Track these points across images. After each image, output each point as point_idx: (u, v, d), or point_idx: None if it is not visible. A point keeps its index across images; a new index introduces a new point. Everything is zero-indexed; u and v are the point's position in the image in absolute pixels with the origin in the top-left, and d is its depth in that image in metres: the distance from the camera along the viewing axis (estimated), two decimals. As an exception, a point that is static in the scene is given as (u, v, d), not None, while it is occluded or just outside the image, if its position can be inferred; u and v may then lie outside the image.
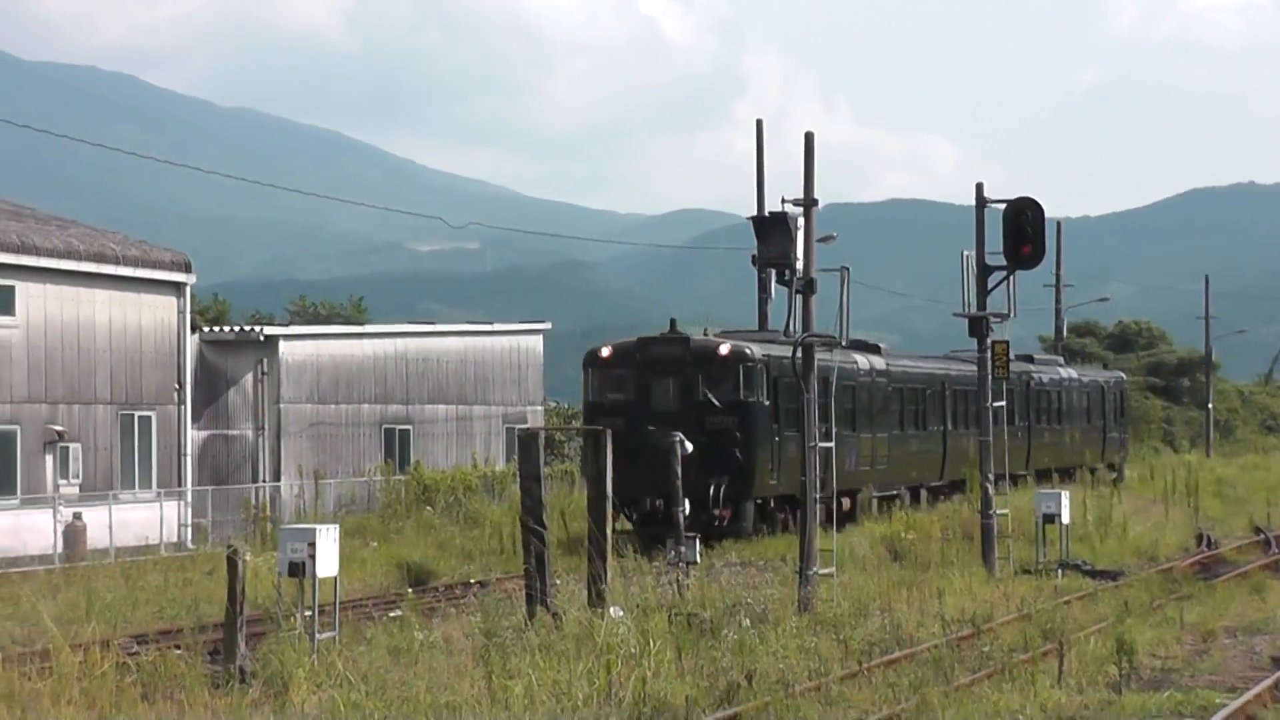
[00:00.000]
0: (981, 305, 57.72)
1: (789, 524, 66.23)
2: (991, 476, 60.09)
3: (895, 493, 77.82)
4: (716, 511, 59.60)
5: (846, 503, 69.60)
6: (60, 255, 72.78)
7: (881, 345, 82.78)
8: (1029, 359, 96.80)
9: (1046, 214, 56.99)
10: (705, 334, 66.69)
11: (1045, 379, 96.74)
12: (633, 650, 36.07)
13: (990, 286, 57.42)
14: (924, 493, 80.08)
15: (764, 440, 64.76)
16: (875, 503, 77.51)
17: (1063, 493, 65.30)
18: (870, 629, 41.79)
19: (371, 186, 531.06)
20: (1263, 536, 68.54)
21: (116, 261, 75.41)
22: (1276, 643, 41.39)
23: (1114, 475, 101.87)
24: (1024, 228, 55.62)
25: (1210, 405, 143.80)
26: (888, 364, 79.02)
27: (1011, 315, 59.75)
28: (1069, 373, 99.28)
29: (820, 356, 55.81)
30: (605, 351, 64.10)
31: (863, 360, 75.80)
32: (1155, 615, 44.58)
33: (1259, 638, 42.52)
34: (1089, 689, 34.36)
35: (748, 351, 61.91)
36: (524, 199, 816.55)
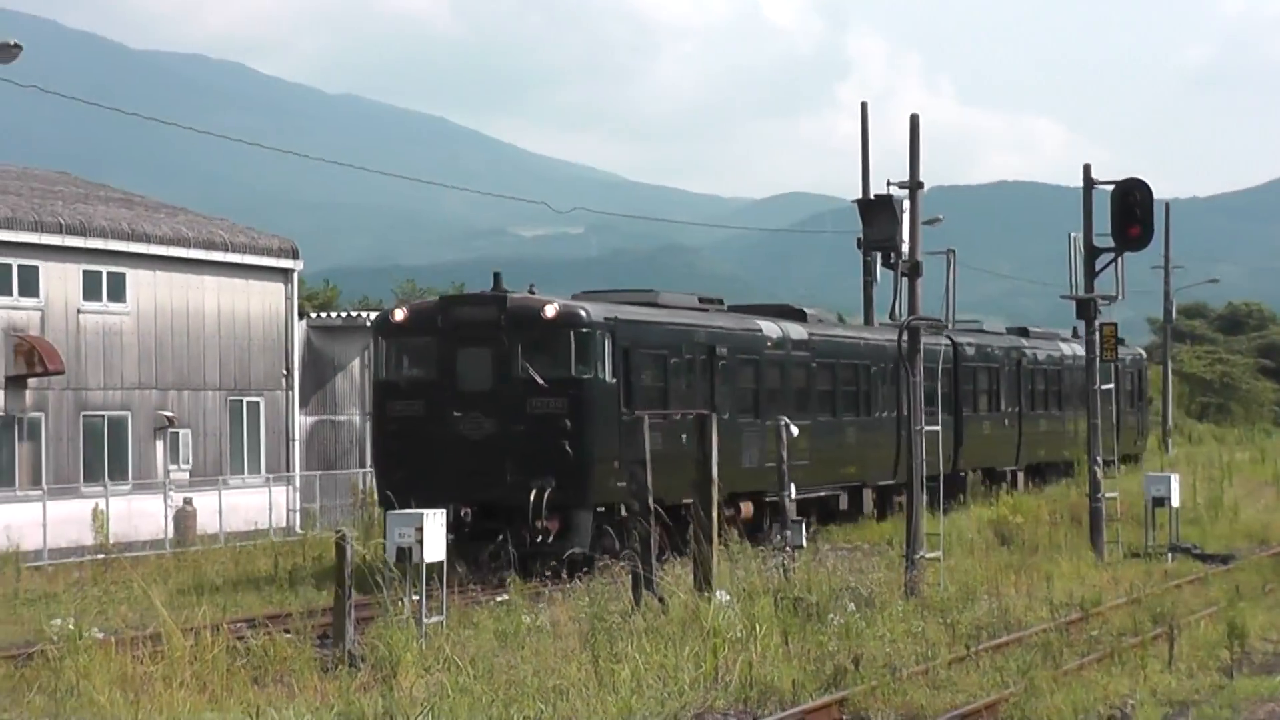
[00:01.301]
0: (1089, 287, 57.48)
1: (664, 537, 47.09)
2: (1100, 460, 59.91)
3: (823, 493, 60.99)
4: (540, 524, 44.01)
5: (747, 508, 55.50)
6: (170, 243, 72.98)
7: (809, 311, 66.49)
8: (1023, 332, 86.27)
9: (1155, 195, 56.67)
10: (531, 291, 48.53)
11: (1041, 356, 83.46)
12: (739, 634, 36.13)
13: (1098, 269, 57.19)
14: (868, 493, 64.49)
15: (607, 429, 47.38)
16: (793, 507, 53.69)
17: (1173, 475, 65.09)
18: (978, 613, 41.70)
19: (476, 171, 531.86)
20: (1375, 518, 68.22)
21: (225, 248, 75.66)
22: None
23: (1128, 464, 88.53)
24: (1132, 209, 55.35)
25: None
26: (810, 334, 61.84)
27: (1120, 297, 59.45)
28: (1073, 349, 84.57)
29: (682, 321, 52.83)
30: (400, 315, 48.07)
31: (770, 328, 59.05)
32: (1267, 599, 44.45)
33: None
34: (1200, 673, 34.24)
35: (582, 314, 46.12)
36: (627, 183, 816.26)
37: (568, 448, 43.86)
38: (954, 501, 64.00)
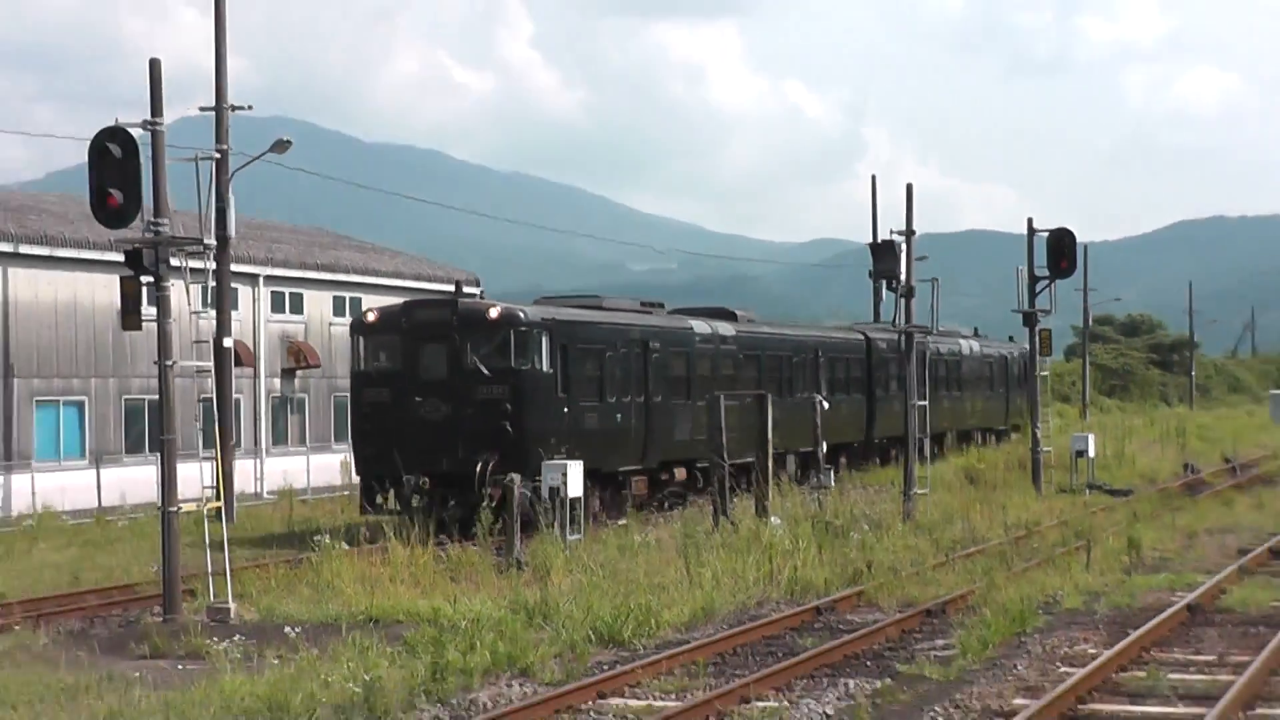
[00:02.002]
0: (1031, 304, 57.57)
1: (599, 500, 45.45)
2: (1039, 426, 59.89)
3: (750, 460, 50.48)
4: (487, 491, 38.94)
5: (681, 473, 51.07)
6: (391, 275, 73.10)
7: (740, 313, 61.12)
8: (926, 330, 79.16)
9: (1077, 239, 57.18)
10: (459, 290, 47.06)
11: (944, 350, 76.59)
12: (787, 547, 36.34)
13: (1038, 291, 57.31)
14: (791, 458, 57.39)
15: (543, 411, 43.51)
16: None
17: (1090, 435, 65.02)
18: (954, 532, 41.77)
19: (601, 225, 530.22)
20: (1231, 465, 67.92)
21: (429, 279, 75.63)
22: (1241, 539, 41.21)
23: (1015, 435, 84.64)
24: (1061, 249, 55.70)
25: (1193, 373, 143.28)
26: (737, 330, 56.88)
27: (1052, 311, 59.68)
28: (971, 345, 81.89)
29: (617, 320, 48.52)
30: (371, 317, 44.98)
31: (701, 326, 54.23)
32: (1155, 521, 44.38)
33: (1229, 536, 42.32)
34: (1108, 573, 34.29)
35: (521, 315, 42.68)
36: (707, 231, 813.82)
37: (509, 427, 40.55)
38: (869, 463, 62.27)
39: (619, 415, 45.81)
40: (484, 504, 37.88)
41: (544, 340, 41.28)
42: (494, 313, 41.78)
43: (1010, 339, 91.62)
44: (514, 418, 40.63)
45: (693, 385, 51.24)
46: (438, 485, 41.21)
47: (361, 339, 44.09)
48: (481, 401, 40.96)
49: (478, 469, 39.67)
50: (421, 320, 42.84)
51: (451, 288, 67.59)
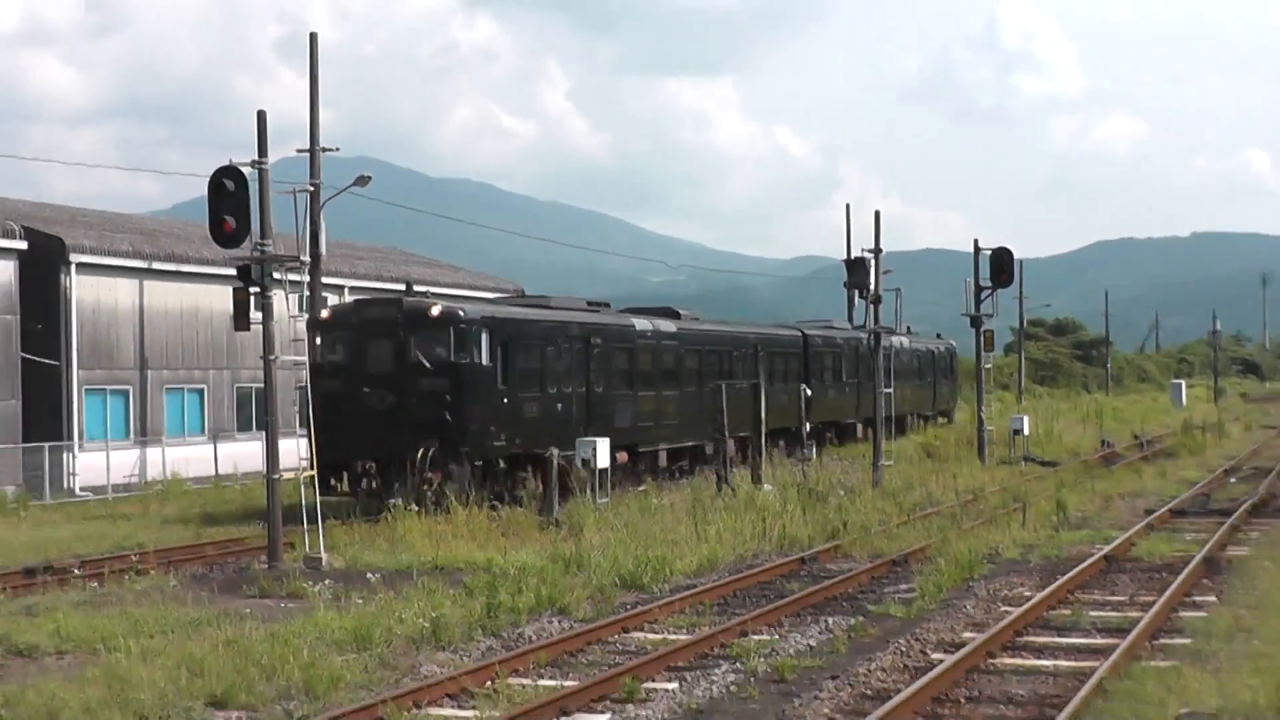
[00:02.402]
0: (977, 310, 57.49)
1: (534, 482, 41.12)
2: (984, 409, 59.81)
3: (690, 444, 51.85)
4: (429, 475, 36.68)
5: (622, 455, 45.21)
6: (452, 286, 72.47)
7: (683, 312, 56.59)
8: (861, 329, 69.57)
9: (1014, 256, 57.20)
10: (425, 295, 43.23)
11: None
12: (777, 509, 36.38)
13: (982, 299, 57.23)
14: (731, 442, 48.91)
15: (482, 401, 39.65)
16: (664, 455, 50.31)
17: (1025, 416, 64.97)
18: (914, 496, 41.73)
19: (622, 243, 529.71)
20: (1139, 441, 67.75)
21: (484, 289, 75.27)
22: (1148, 502, 41.16)
23: (943, 420, 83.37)
24: (1001, 264, 55.62)
25: (1108, 366, 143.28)
26: (679, 328, 52.34)
27: (994, 315, 59.66)
28: (900, 341, 73.84)
29: (558, 318, 44.29)
30: (325, 313, 41.17)
31: (643, 323, 49.83)
32: (1078, 487, 44.28)
33: (1138, 499, 42.30)
34: (1040, 529, 34.27)
35: (460, 313, 39.04)
36: (710, 250, 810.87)
37: (448, 416, 37.05)
38: (803, 446, 55.49)
39: (559, 404, 42.40)
40: (425, 487, 36.28)
41: (483, 336, 38.22)
42: (435, 311, 38.52)
43: (938, 335, 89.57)
44: (453, 407, 37.54)
45: (634, 377, 47.82)
46: (383, 470, 37.77)
47: (317, 334, 39.79)
48: (423, 392, 37.73)
49: (419, 455, 36.40)
50: (370, 317, 39.55)
51: (503, 293, 67.31)
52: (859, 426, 63.81)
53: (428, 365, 37.69)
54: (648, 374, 48.55)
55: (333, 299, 54.98)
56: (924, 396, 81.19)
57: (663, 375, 49.70)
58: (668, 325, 51.22)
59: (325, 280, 41.72)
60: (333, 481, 37.04)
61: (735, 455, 50.51)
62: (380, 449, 37.47)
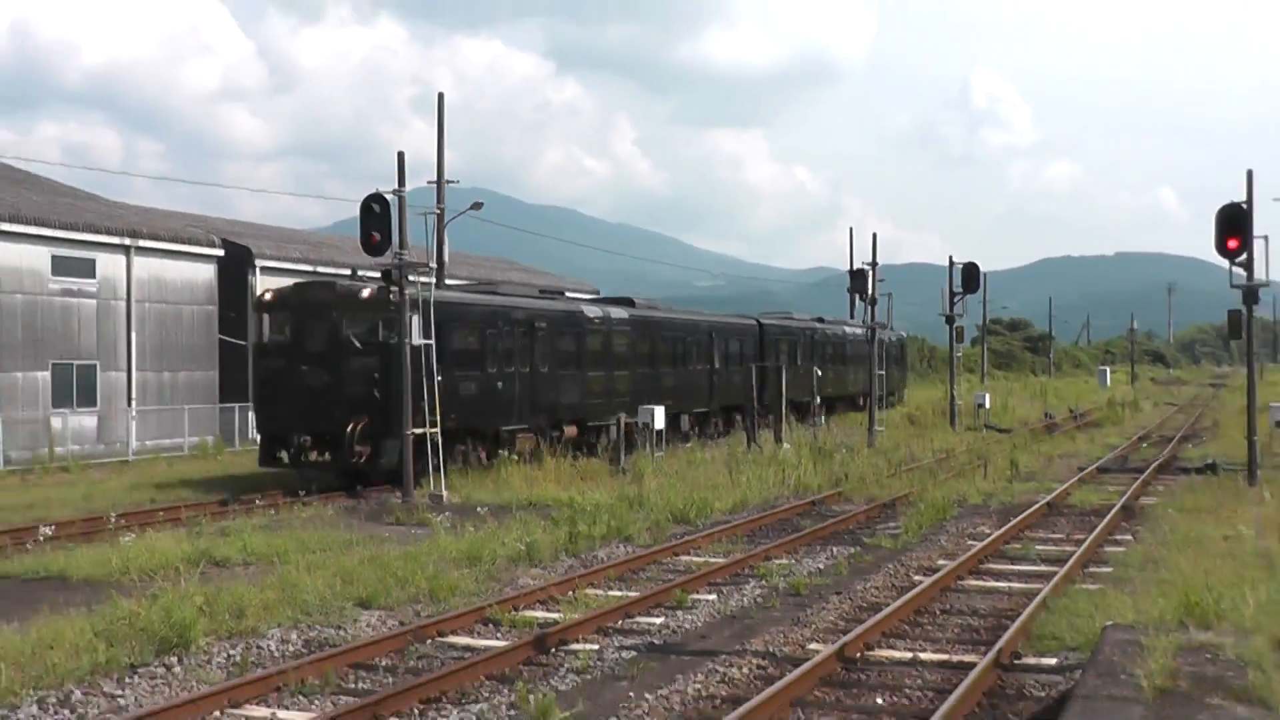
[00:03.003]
0: (950, 311, 57.27)
1: (481, 458, 36.39)
2: (955, 388, 59.52)
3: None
4: (359, 449, 32.25)
5: (571, 430, 40.54)
6: (543, 284, 72.70)
7: (638, 300, 50.75)
8: (820, 319, 68.21)
9: (980, 269, 56.99)
10: (355, 276, 36.99)
11: (830, 333, 66.53)
12: (794, 463, 36.32)
13: (955, 302, 57.00)
14: (685, 417, 48.28)
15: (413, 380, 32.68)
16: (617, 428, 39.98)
17: (986, 393, 64.69)
18: (900, 454, 41.58)
19: (675, 257, 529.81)
20: (1073, 414, 67.48)
21: (574, 289, 75.23)
22: (1080, 461, 40.92)
23: (893, 399, 74.05)
24: (970, 275, 55.56)
25: (1050, 355, 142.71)
26: (630, 315, 46.18)
27: (964, 315, 59.58)
28: (853, 330, 68.51)
29: (499, 302, 38.01)
30: (269, 296, 35.70)
31: (593, 310, 44.21)
32: (1027, 449, 44.09)
33: (1073, 459, 42.03)
34: (998, 481, 34.08)
35: (390, 296, 33.05)
36: (743, 262, 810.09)
37: (376, 394, 32.03)
38: (762, 420, 50.59)
39: (501, 383, 36.62)
40: (355, 460, 31.85)
41: (414, 319, 31.82)
42: (366, 293, 33.17)
43: (889, 328, 76.47)
44: (382, 385, 32.22)
45: (583, 359, 41.87)
46: (317, 444, 33.01)
47: (263, 315, 35.05)
48: (354, 371, 32.59)
49: (348, 430, 31.72)
50: (308, 299, 33.98)
51: (584, 293, 66.76)
52: (815, 404, 57.59)
53: (358, 345, 32.77)
54: (598, 356, 42.80)
55: (587, 309, 53.65)
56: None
57: (614, 357, 43.86)
58: (620, 312, 45.58)
59: (447, 282, 41.55)
60: (279, 454, 33.25)
61: (689, 429, 47.78)
62: (315, 424, 32.82)
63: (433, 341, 31.18)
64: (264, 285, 50.68)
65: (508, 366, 37.05)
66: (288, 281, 39.44)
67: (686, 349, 49.49)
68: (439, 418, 31.78)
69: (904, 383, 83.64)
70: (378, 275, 32.20)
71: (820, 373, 57.86)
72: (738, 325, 56.01)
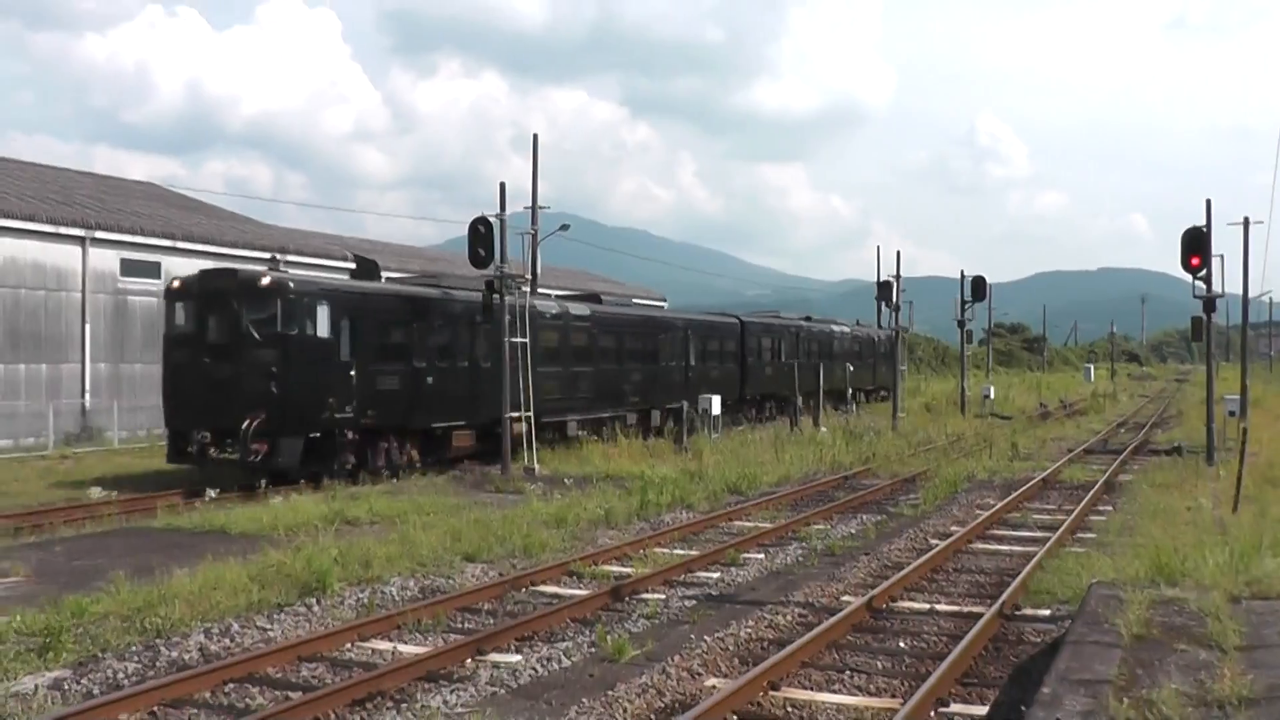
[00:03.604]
0: (961, 316, 56.81)
1: (411, 457, 30.16)
2: (965, 382, 59.05)
3: (606, 415, 38.35)
4: (254, 447, 26.37)
5: (519, 428, 31.50)
6: (617, 295, 72.59)
7: (605, 296, 45.80)
8: (807, 318, 61.53)
9: (986, 281, 56.41)
10: (275, 262, 30.89)
11: (815, 330, 59.29)
12: (830, 444, 36.14)
13: (965, 309, 56.52)
14: (656, 413, 41.64)
15: (315, 374, 27.79)
16: (574, 425, 36.82)
17: (991, 386, 64.31)
18: (918, 437, 41.31)
19: (729, 270, 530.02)
20: (1063, 404, 66.82)
21: (640, 298, 75.26)
22: (1069, 444, 40.47)
23: (884, 393, 66.62)
24: (979, 286, 54.95)
25: (1044, 354, 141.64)
26: (593, 310, 39.72)
27: (973, 320, 58.98)
28: (840, 328, 62.74)
29: (431, 295, 31.65)
30: (176, 284, 29.00)
31: (550, 306, 37.15)
32: (1025, 433, 43.73)
33: (1063, 442, 41.61)
34: (1001, 460, 33.72)
35: (290, 284, 27.83)
36: (787, 275, 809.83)
37: (274, 389, 26.24)
38: (743, 415, 48.47)
39: (431, 379, 30.52)
40: (251, 458, 25.92)
41: (320, 308, 26.97)
42: (265, 281, 27.12)
43: (880, 325, 71.61)
44: (280, 379, 26.59)
45: (536, 354, 34.38)
46: (217, 440, 26.93)
47: (168, 304, 28.42)
48: (252, 364, 26.73)
49: (244, 426, 25.81)
50: (211, 288, 27.70)
51: (655, 300, 66.38)
52: (798, 400, 51.32)
53: (257, 336, 26.90)
54: (553, 352, 36.27)
55: (540, 304, 51.72)
56: (863, 375, 65.43)
57: (572, 353, 37.40)
58: (580, 308, 38.94)
59: (540, 290, 41.65)
60: (190, 449, 27.13)
61: (660, 424, 41.18)
62: (214, 419, 26.83)
63: (527, 340, 31.13)
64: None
65: (441, 361, 31.07)
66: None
67: (658, 346, 43.03)
68: (356, 413, 27.41)
69: (897, 380, 75.49)
70: (311, 260, 28.82)
71: (799, 369, 52.22)
72: (718, 323, 49.39)
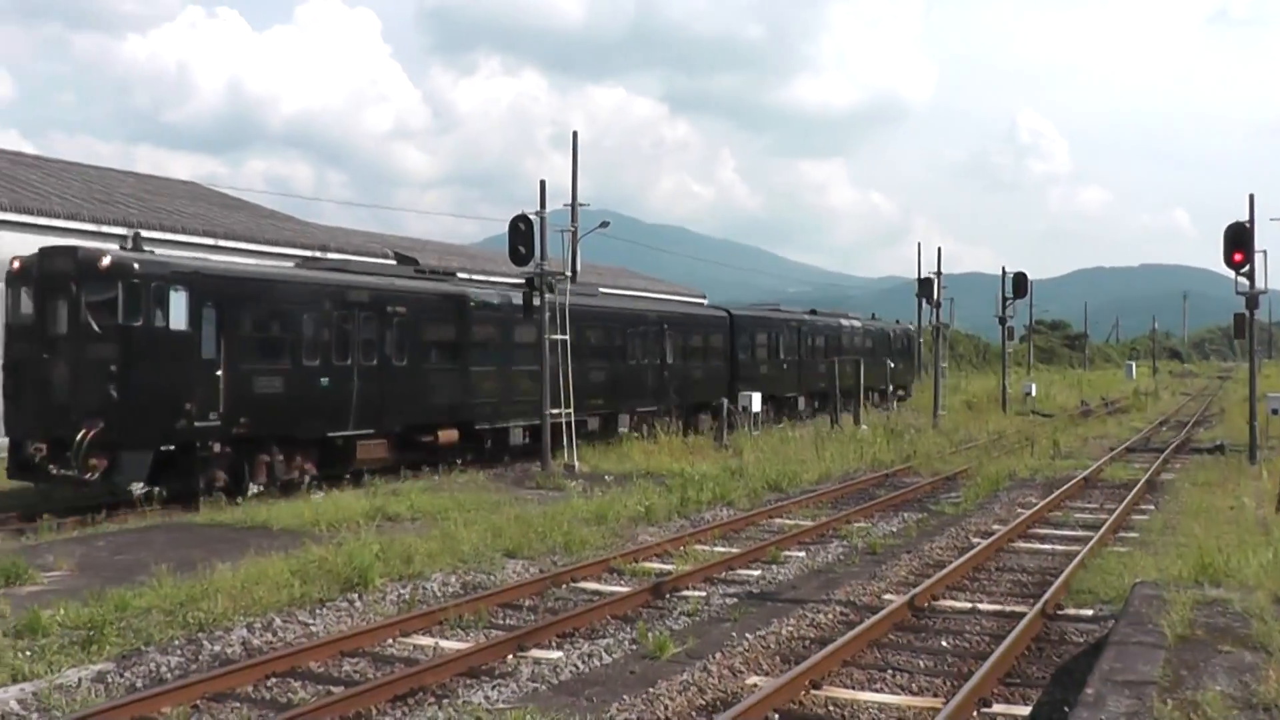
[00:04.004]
0: (1003, 312, 56.40)
1: (272, 469, 24.40)
2: (1006, 379, 58.73)
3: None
4: (93, 462, 20.59)
5: (450, 434, 29.00)
6: (657, 292, 72.50)
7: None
8: (812, 311, 54.98)
9: (1028, 277, 55.79)
10: (133, 241, 24.30)
11: (819, 325, 53.27)
12: (871, 441, 35.98)
13: (1006, 305, 56.10)
14: (628, 417, 37.41)
15: (168, 375, 22.04)
16: (520, 432, 31.56)
17: (1032, 383, 63.95)
18: (959, 435, 41.12)
19: (770, 267, 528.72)
20: (1105, 402, 66.43)
21: (684, 295, 75.20)
22: (1110, 442, 40.18)
23: (900, 393, 61.39)
24: (1020, 283, 54.48)
25: (1086, 352, 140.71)
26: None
27: (1014, 316, 58.69)
28: (850, 323, 56.51)
29: (321, 279, 26.25)
30: (15, 264, 22.60)
31: (484, 294, 31.95)
32: (1067, 431, 43.40)
33: (1104, 440, 41.28)
34: (1042, 459, 33.51)
35: (135, 265, 21.73)
36: (827, 271, 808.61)
37: (113, 392, 21.25)
38: (887, 399, 48.15)
39: (327, 379, 25.48)
40: (87, 475, 20.98)
41: (174, 295, 21.99)
42: (105, 261, 21.85)
43: (898, 321, 68.03)
44: (120, 381, 21.52)
45: (468, 351, 29.97)
46: (53, 453, 21.44)
47: (14, 290, 22.87)
48: (89, 361, 21.58)
49: (77, 439, 20.86)
50: (50, 270, 22.30)
51: (696, 298, 65.91)
52: (799, 400, 48.47)
53: (95, 328, 21.68)
54: (486, 348, 30.98)
55: (574, 298, 44.61)
56: (877, 374, 58.01)
57: (516, 350, 31.95)
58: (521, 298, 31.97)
59: (578, 288, 41.64)
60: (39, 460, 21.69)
61: (631, 424, 37.37)
62: (52, 428, 21.62)
63: (568, 337, 31.04)
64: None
65: (342, 359, 26.14)
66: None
67: (626, 341, 38.13)
68: (224, 421, 23.04)
69: (912, 377, 67.68)
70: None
71: (796, 366, 48.91)
72: (701, 316, 44.52)
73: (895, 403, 53.66)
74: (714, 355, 43.39)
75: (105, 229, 39.18)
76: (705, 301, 66.23)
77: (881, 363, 59.59)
